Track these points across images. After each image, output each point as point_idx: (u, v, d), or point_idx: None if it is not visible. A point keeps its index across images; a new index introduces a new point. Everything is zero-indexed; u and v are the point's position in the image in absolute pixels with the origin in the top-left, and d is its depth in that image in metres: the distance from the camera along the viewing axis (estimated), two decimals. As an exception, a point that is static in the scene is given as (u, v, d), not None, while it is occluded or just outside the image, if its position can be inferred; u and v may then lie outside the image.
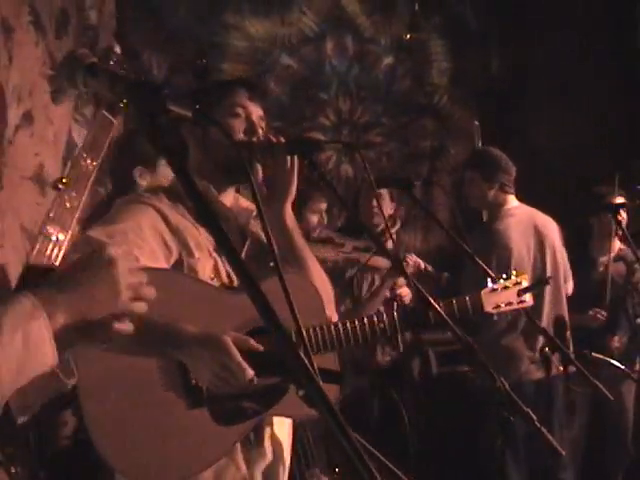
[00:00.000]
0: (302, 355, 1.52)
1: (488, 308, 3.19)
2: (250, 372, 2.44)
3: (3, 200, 4.52)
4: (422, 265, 5.15)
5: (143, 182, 3.68)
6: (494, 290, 3.22)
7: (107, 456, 2.52)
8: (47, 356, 1.56)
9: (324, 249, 4.90)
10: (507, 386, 2.66)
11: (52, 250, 1.80)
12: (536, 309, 4.94)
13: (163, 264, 2.62)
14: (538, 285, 3.60)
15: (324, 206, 5.19)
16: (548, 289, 5.06)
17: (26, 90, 4.87)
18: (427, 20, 7.41)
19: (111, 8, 6.31)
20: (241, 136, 2.74)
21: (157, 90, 1.67)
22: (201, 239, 2.69)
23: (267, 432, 2.75)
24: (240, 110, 2.76)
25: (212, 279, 2.68)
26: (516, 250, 5.03)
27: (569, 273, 5.32)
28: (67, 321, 1.60)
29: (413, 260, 5.10)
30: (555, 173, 6.95)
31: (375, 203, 5.18)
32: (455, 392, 5.54)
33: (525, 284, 3.26)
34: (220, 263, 2.71)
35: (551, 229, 5.24)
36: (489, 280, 3.25)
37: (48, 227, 1.82)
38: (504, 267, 4.93)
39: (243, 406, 2.63)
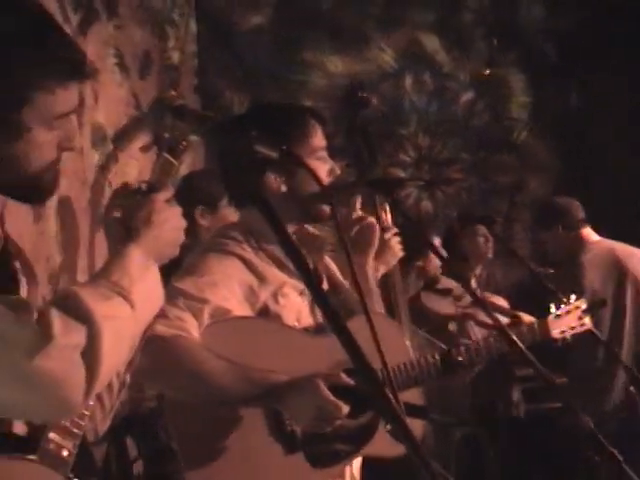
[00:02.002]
0: (389, 394, 1.53)
1: (554, 334, 3.32)
2: (345, 408, 2.49)
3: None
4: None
5: (204, 222, 3.72)
6: (558, 316, 3.34)
7: None
8: (160, 297, 1.82)
9: (442, 301, 4.87)
10: (591, 423, 2.62)
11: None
12: (617, 341, 4.89)
13: (249, 313, 2.65)
14: (596, 307, 3.63)
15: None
16: (628, 322, 5.00)
17: (111, 130, 4.98)
18: (505, 54, 7.39)
19: (192, 49, 6.43)
20: (325, 179, 2.69)
21: (244, 131, 1.70)
22: (286, 284, 2.71)
23: (348, 472, 2.78)
24: (323, 153, 2.73)
25: (296, 323, 2.71)
26: (589, 289, 4.95)
27: None
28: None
29: (529, 319, 5.02)
30: (638, 205, 6.86)
31: (482, 240, 5.19)
32: (543, 430, 5.46)
33: (584, 307, 3.39)
34: (303, 306, 2.74)
35: (636, 261, 5.16)
36: (552, 306, 3.35)
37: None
38: None
39: (337, 448, 2.67)
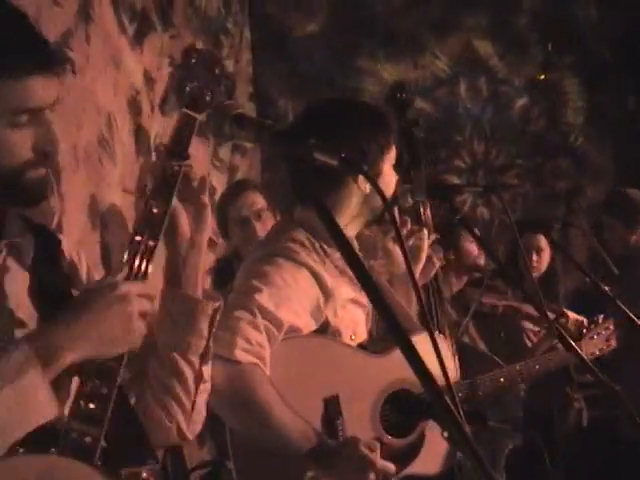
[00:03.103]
0: (450, 403, 1.52)
1: (587, 356, 3.33)
2: (392, 467, 2.55)
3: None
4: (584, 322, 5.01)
5: None
6: (591, 339, 3.44)
7: None
8: (44, 406, 1.59)
9: (485, 294, 4.82)
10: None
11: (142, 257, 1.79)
12: None
13: (314, 329, 2.67)
14: (624, 326, 3.64)
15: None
16: None
17: (167, 139, 5.01)
18: (560, 59, 7.33)
19: (247, 57, 6.47)
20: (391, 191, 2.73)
21: (303, 139, 1.69)
22: (345, 295, 2.71)
23: None
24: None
25: (351, 338, 2.72)
26: None
27: None
28: (76, 359, 1.63)
29: (574, 317, 4.96)
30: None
31: (535, 256, 5.12)
32: (605, 439, 5.39)
33: (612, 327, 3.50)
34: (360, 319, 2.75)
35: None
36: (584, 330, 3.47)
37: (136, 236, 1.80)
38: None
39: None
